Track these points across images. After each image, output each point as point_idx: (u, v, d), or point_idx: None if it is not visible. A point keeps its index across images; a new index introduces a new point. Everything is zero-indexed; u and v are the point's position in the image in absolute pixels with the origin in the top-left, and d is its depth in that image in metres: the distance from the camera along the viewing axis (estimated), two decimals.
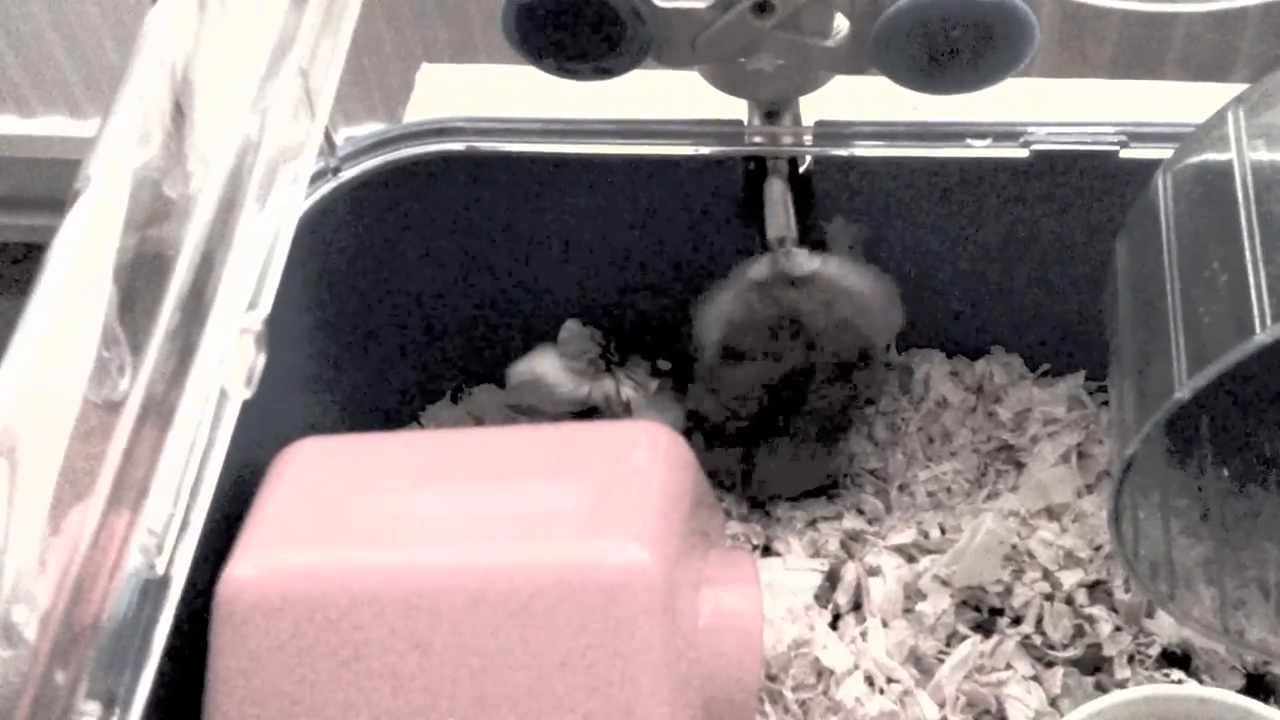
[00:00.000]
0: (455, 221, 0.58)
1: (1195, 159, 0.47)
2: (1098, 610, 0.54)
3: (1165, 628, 0.53)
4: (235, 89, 0.37)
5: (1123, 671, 0.53)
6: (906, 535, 0.57)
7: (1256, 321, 0.37)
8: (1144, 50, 1.11)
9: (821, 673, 0.53)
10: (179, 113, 0.37)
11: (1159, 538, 0.48)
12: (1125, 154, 0.53)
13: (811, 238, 0.56)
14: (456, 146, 0.56)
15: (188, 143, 0.36)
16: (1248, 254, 0.40)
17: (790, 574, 0.56)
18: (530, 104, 0.57)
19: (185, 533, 0.32)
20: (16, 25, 1.25)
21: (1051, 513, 0.58)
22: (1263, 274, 0.39)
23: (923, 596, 0.55)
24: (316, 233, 0.54)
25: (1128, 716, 0.46)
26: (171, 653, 0.32)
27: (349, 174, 0.55)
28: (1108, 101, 0.76)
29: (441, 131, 0.56)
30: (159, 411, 0.31)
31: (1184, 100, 0.74)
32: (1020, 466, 0.60)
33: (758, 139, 0.54)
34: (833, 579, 0.56)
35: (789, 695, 0.52)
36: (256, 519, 0.46)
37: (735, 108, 0.54)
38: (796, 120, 0.54)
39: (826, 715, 0.52)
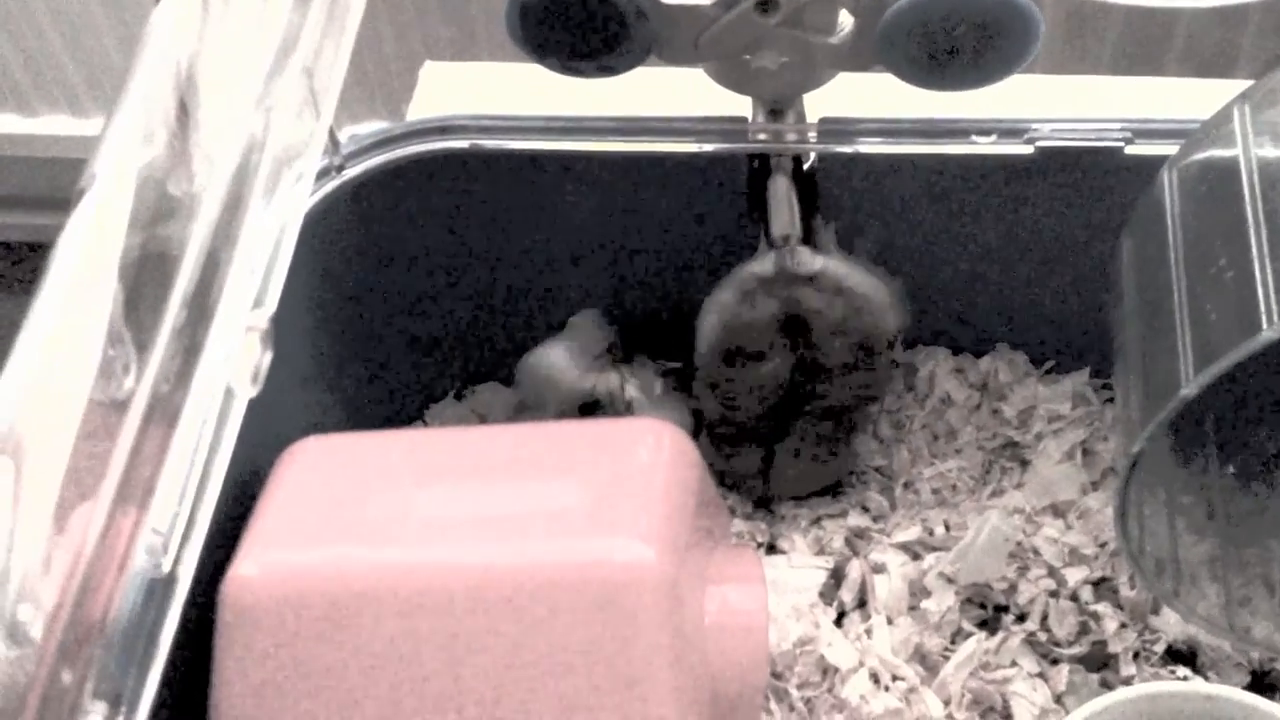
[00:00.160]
0: (458, 219, 0.58)
1: (1201, 155, 0.47)
2: (1103, 607, 0.54)
3: (1171, 625, 0.53)
4: (240, 87, 0.37)
5: (1128, 668, 0.53)
6: (911, 532, 0.57)
7: (1263, 318, 0.37)
8: (1146, 46, 1.11)
9: (826, 670, 0.53)
10: (183, 111, 0.37)
11: (1164, 535, 0.48)
12: (1130, 150, 0.53)
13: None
14: (460, 144, 0.56)
15: (192, 141, 0.36)
16: (1254, 250, 0.40)
17: (795, 571, 0.56)
18: (533, 102, 0.57)
19: (191, 532, 0.32)
20: (18, 24, 1.25)
21: (1056, 510, 0.58)
22: (1269, 270, 0.39)
23: (928, 594, 0.55)
24: (319, 231, 0.54)
25: (1133, 714, 0.46)
26: (177, 652, 0.32)
27: (352, 172, 0.55)
28: (1111, 98, 0.76)
29: (445, 129, 0.56)
30: (165, 410, 0.31)
31: (1188, 97, 0.74)
32: (1025, 464, 0.60)
33: (762, 136, 0.54)
34: (837, 576, 0.56)
35: (794, 693, 0.52)
36: (261, 518, 0.46)
37: (739, 105, 0.54)
38: (800, 117, 0.54)
39: (831, 713, 0.52)
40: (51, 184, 1.37)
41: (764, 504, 0.60)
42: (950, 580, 0.55)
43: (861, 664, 0.53)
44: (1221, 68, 1.10)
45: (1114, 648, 0.53)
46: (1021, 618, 0.54)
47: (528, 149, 0.56)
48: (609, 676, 0.42)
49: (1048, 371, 0.63)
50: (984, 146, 0.54)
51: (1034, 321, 0.62)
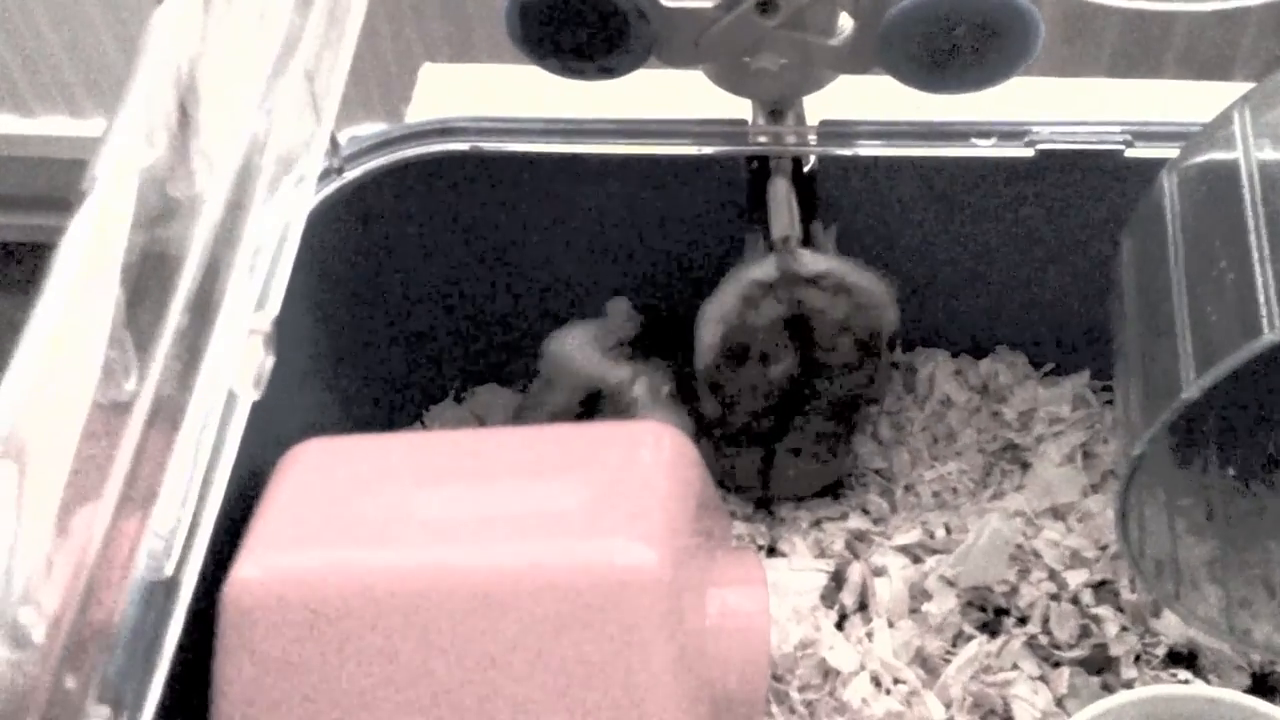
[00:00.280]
0: (458, 221, 0.58)
1: (1201, 158, 0.47)
2: (1104, 610, 0.54)
3: (1171, 627, 0.53)
4: (241, 90, 0.37)
5: (1129, 671, 0.53)
6: (912, 535, 0.57)
7: (1264, 321, 0.37)
8: (1145, 49, 1.11)
9: (828, 673, 0.53)
10: (185, 114, 0.37)
11: (1164, 537, 0.48)
12: (1130, 153, 0.53)
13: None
14: (460, 146, 0.56)
15: (194, 144, 0.36)
16: (1254, 253, 0.40)
17: (796, 574, 0.56)
18: (533, 104, 0.57)
19: (194, 535, 0.32)
20: (16, 25, 1.25)
21: (1057, 512, 0.58)
22: (1270, 273, 0.39)
23: (928, 597, 0.55)
24: (319, 233, 0.54)
25: (1134, 717, 0.46)
26: (179, 655, 0.32)
27: (352, 174, 0.55)
28: (1110, 100, 0.76)
29: (445, 131, 0.56)
30: (167, 413, 0.31)
31: (1187, 99, 0.74)
32: (1025, 466, 0.60)
33: (761, 138, 0.54)
34: (838, 579, 0.56)
35: (795, 696, 0.52)
36: (262, 521, 0.46)
37: (739, 107, 0.54)
38: (800, 120, 0.54)
39: (833, 716, 0.52)
40: (49, 184, 1.38)
41: (764, 506, 0.60)
42: (951, 583, 0.55)
43: (863, 667, 0.53)
44: (1220, 70, 1.10)
45: (1115, 650, 0.53)
46: (1022, 620, 0.54)
47: (528, 151, 0.55)
48: (610, 679, 0.42)
49: (1048, 374, 0.63)
50: (984, 149, 0.54)
51: (1034, 324, 0.62)
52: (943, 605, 0.54)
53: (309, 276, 0.54)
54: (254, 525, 0.46)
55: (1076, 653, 0.53)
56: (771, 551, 0.58)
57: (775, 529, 0.59)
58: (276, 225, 0.36)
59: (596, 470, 0.47)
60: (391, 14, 1.18)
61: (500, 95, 0.76)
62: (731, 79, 0.52)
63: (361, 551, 0.44)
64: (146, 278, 0.33)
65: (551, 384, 0.59)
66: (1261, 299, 0.38)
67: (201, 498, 0.32)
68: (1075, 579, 0.55)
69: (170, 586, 0.31)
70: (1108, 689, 0.52)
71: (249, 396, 0.34)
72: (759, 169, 0.55)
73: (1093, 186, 0.55)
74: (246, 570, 0.43)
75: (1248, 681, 0.52)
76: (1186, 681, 0.52)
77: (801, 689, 0.53)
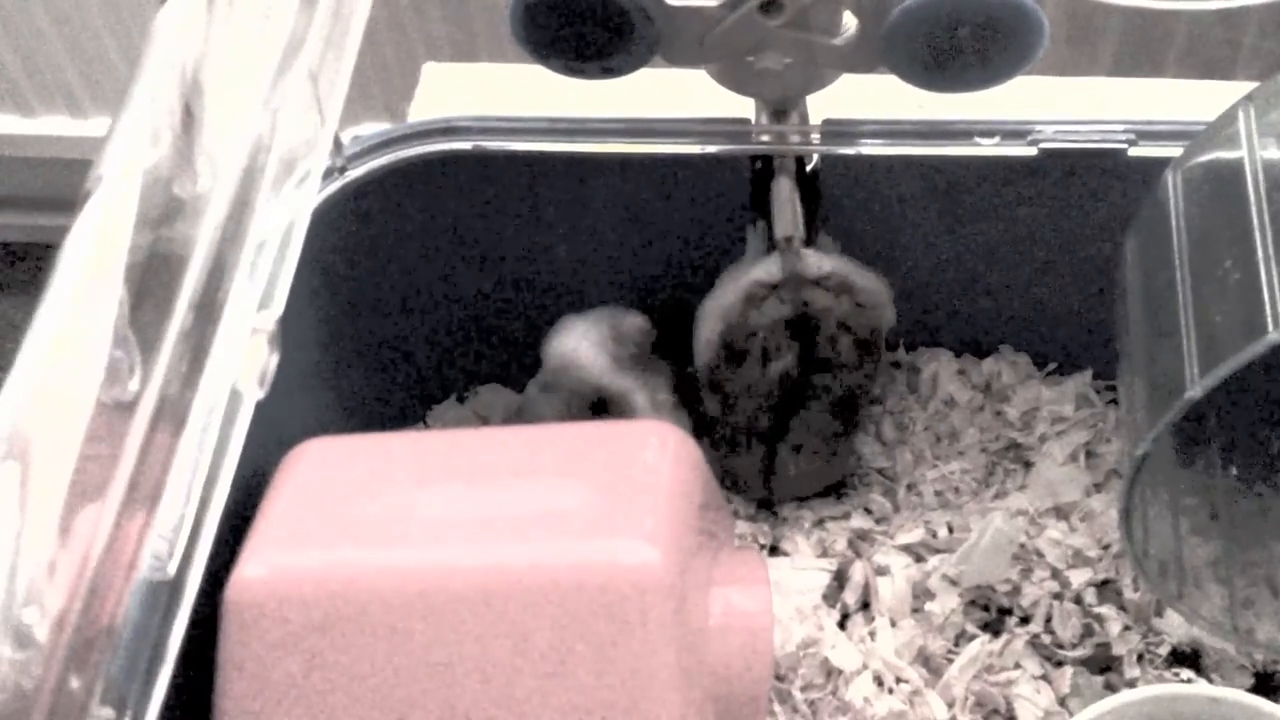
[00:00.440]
0: (461, 221, 0.58)
1: (1205, 157, 0.47)
2: (1107, 609, 0.54)
3: (1174, 627, 0.53)
4: (245, 89, 0.37)
5: (1132, 671, 0.53)
6: (914, 534, 0.57)
7: (1269, 320, 0.37)
8: (1147, 48, 1.11)
9: (830, 672, 0.53)
10: (189, 114, 0.37)
11: (1168, 536, 0.48)
12: (1134, 152, 0.53)
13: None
14: (463, 146, 0.56)
15: (198, 143, 0.36)
16: (1259, 252, 0.40)
17: (798, 574, 0.56)
18: (536, 103, 0.57)
19: (198, 535, 0.32)
20: (17, 25, 1.25)
21: (1060, 512, 0.58)
22: (1275, 272, 0.39)
23: (931, 596, 0.55)
24: (322, 232, 0.54)
25: (1137, 716, 0.46)
26: (182, 655, 0.32)
27: (355, 173, 0.55)
28: (1113, 100, 0.76)
29: (448, 131, 0.56)
30: (172, 413, 0.31)
31: (1190, 98, 0.74)
32: (1028, 465, 0.60)
33: (765, 138, 0.54)
34: (841, 579, 0.56)
35: (798, 695, 0.52)
36: (265, 520, 0.46)
37: (742, 106, 0.54)
38: (804, 119, 0.54)
39: (835, 715, 0.52)
40: (50, 184, 1.38)
41: (766, 506, 0.60)
42: (954, 582, 0.55)
43: (865, 666, 0.53)
44: (1223, 69, 1.10)
45: (1118, 650, 0.53)
46: (1025, 620, 0.54)
47: (531, 150, 0.55)
48: (613, 678, 0.42)
49: (1050, 373, 0.63)
50: (987, 148, 0.54)
51: (1037, 323, 0.62)
52: (945, 604, 0.54)
53: (312, 276, 0.55)
54: (257, 525, 0.46)
55: (1079, 652, 0.53)
56: (774, 551, 0.58)
57: (778, 528, 0.59)
58: (280, 224, 0.36)
59: (599, 470, 0.47)
60: (394, 13, 1.18)
61: (503, 94, 0.76)
62: (735, 78, 0.52)
63: (365, 551, 0.44)
64: (151, 277, 0.33)
65: (555, 386, 0.59)
66: (1266, 298, 0.38)
67: (205, 498, 0.32)
68: (1078, 578, 0.55)
69: (174, 587, 0.31)
70: (1110, 688, 0.52)
71: (254, 395, 0.34)
72: (762, 168, 0.55)
73: (1096, 186, 0.55)
74: (250, 570, 0.43)
75: (1251, 681, 0.52)
76: (1189, 681, 0.52)
77: (804, 688, 0.52)
